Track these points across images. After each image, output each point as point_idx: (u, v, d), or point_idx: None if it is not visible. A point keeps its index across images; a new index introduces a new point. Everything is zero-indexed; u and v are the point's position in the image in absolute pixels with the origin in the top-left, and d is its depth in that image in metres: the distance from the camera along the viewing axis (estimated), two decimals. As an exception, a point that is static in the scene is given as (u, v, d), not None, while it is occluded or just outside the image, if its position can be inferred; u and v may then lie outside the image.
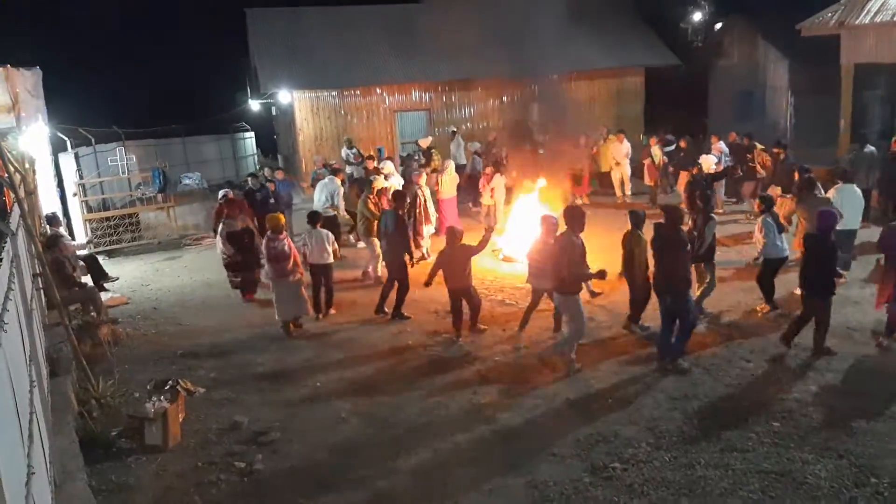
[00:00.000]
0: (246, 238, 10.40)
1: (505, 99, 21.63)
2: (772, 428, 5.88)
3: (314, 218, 9.45)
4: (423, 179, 12.71)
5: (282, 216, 9.32)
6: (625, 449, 5.72)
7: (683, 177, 14.39)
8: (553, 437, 6.02)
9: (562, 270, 7.10)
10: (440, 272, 8.43)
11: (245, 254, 10.32)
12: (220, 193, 12.03)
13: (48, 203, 13.33)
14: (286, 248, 8.74)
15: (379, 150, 17.83)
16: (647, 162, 15.88)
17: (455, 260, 8.31)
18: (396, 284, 9.35)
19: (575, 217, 7.22)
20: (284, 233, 8.94)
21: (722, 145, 14.75)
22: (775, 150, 13.37)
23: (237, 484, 5.58)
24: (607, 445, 5.81)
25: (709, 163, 13.50)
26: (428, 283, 8.49)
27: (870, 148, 12.62)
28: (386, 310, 9.41)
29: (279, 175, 14.01)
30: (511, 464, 5.65)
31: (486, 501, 5.17)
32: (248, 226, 10.48)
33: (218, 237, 10.42)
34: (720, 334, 8.07)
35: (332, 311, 9.69)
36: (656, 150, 15.93)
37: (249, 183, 13.18)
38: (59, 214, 12.71)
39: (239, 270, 10.49)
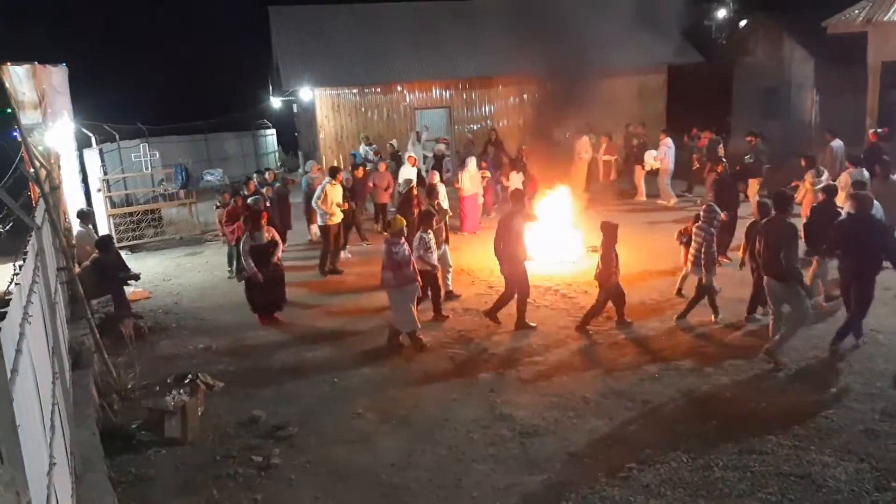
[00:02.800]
0: (271, 252, 9.37)
1: (525, 97, 21.57)
2: (791, 430, 5.79)
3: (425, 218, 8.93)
4: (436, 178, 12.76)
5: (400, 219, 8.39)
6: (642, 449, 5.68)
7: (710, 178, 14.54)
8: (570, 436, 5.99)
9: (780, 258, 6.86)
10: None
11: (267, 271, 9.25)
12: (245, 198, 11.62)
13: (73, 198, 13.54)
14: (407, 252, 8.07)
15: (391, 144, 17.96)
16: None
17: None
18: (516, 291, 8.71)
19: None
20: (404, 237, 8.20)
21: (669, 141, 15.78)
22: (747, 139, 14.16)
23: (254, 477, 5.63)
24: (624, 445, 5.77)
25: (649, 158, 14.32)
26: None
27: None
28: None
29: (270, 176, 14.16)
30: (528, 462, 5.64)
31: (503, 499, 5.16)
32: (273, 237, 9.48)
33: (241, 251, 9.37)
34: (741, 336, 7.98)
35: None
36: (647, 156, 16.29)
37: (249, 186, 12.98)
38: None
39: (259, 290, 9.34)
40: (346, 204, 12.13)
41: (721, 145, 15.52)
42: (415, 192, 11.56)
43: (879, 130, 13.29)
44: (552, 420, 6.29)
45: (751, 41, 23.28)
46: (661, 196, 16.12)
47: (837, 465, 5.25)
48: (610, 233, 8.20)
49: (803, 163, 11.53)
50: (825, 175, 11.10)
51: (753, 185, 13.70)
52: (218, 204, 12.66)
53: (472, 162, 14.11)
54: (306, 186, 14.30)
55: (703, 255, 8.25)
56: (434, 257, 8.80)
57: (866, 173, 10.21)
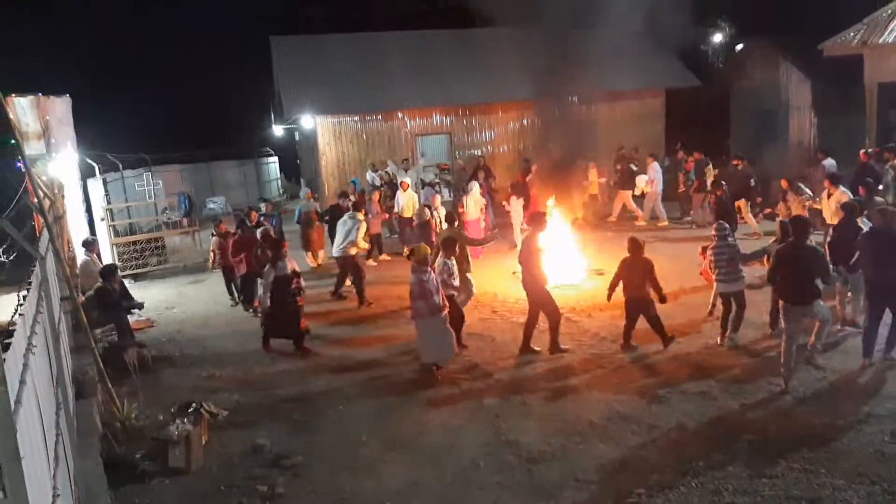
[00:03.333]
0: (294, 282, 9.12)
1: (525, 122, 21.73)
2: (801, 453, 5.73)
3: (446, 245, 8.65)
4: (438, 201, 12.86)
5: (425, 247, 8.23)
6: (650, 474, 5.62)
7: (696, 198, 15.62)
8: (577, 461, 5.94)
9: (811, 283, 6.91)
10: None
11: (288, 301, 9.05)
12: (259, 229, 11.52)
13: (77, 228, 13.59)
14: (436, 280, 7.87)
15: (386, 172, 18.09)
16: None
17: (635, 269, 8.23)
18: (545, 314, 8.54)
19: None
20: (430, 266, 8.03)
21: (656, 165, 16.36)
22: (734, 162, 14.82)
23: (259, 507, 5.58)
24: (632, 471, 5.71)
25: (641, 182, 14.59)
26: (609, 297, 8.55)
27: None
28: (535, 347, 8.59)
29: (267, 208, 14.33)
30: (535, 489, 5.58)
31: (509, 527, 5.10)
32: (294, 268, 9.31)
33: (264, 279, 9.13)
34: (746, 355, 7.95)
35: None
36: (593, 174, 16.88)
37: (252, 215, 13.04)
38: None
39: (277, 320, 9.15)
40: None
41: (709, 166, 15.88)
42: (433, 219, 11.67)
43: (870, 150, 13.52)
44: (558, 446, 6.23)
45: (747, 65, 23.49)
46: (658, 217, 16.40)
47: (848, 489, 5.19)
48: (637, 248, 8.22)
49: (784, 184, 12.06)
50: (807, 193, 11.73)
51: (744, 207, 14.20)
52: (213, 233, 12.49)
53: (475, 186, 14.18)
54: (300, 214, 14.59)
55: (729, 270, 8.25)
56: (456, 282, 8.63)
57: (849, 193, 10.27)
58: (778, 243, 7.87)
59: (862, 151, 13.26)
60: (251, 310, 11.30)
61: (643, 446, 6.11)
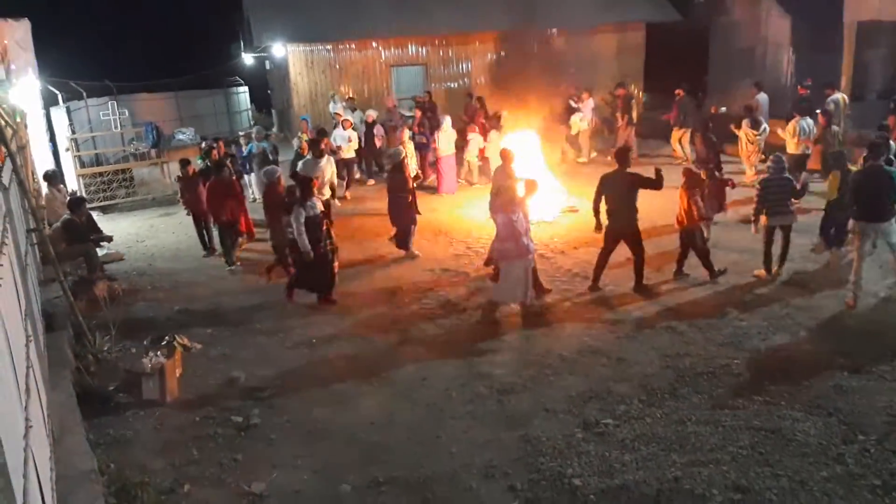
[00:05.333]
0: (324, 223, 8.38)
1: (503, 54, 21.29)
2: (763, 386, 5.94)
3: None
4: (406, 135, 12.65)
5: (513, 187, 7.90)
6: (617, 405, 5.80)
7: (678, 133, 15.36)
8: (546, 393, 6.09)
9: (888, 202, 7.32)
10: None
11: (321, 245, 8.26)
12: (270, 171, 9.81)
13: (41, 158, 13.21)
14: (524, 222, 7.51)
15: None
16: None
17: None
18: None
19: None
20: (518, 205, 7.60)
21: (591, 102, 16.38)
22: (676, 92, 15.33)
23: (234, 437, 5.66)
24: (600, 402, 5.88)
25: (576, 119, 15.49)
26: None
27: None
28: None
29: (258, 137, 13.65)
30: (505, 418, 5.73)
31: (480, 454, 5.24)
32: (327, 201, 8.77)
33: (293, 222, 8.07)
34: (713, 294, 8.12)
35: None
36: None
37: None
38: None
39: (311, 269, 8.31)
40: None
41: (633, 101, 16.41)
42: (406, 161, 10.74)
43: (806, 83, 15.07)
44: (529, 378, 6.37)
45: (728, 0, 23.14)
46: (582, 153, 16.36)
47: (807, 420, 5.41)
48: (693, 179, 8.26)
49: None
50: (764, 125, 12.57)
51: (676, 135, 15.28)
52: (179, 175, 11.25)
53: (447, 121, 13.96)
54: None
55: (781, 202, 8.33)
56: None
57: (810, 121, 11.50)
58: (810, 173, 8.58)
59: (799, 86, 14.83)
60: (231, 264, 10.19)
61: (611, 378, 6.27)
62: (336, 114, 16.09)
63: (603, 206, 8.21)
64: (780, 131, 12.20)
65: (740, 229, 9.86)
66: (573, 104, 16.15)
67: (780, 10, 20.79)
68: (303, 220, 7.99)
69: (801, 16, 19.26)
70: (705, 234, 8.75)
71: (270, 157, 12.87)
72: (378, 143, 15.23)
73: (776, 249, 8.44)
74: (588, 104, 16.28)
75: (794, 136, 11.51)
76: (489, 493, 4.82)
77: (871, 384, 5.90)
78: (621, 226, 8.13)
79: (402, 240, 10.07)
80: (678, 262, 8.59)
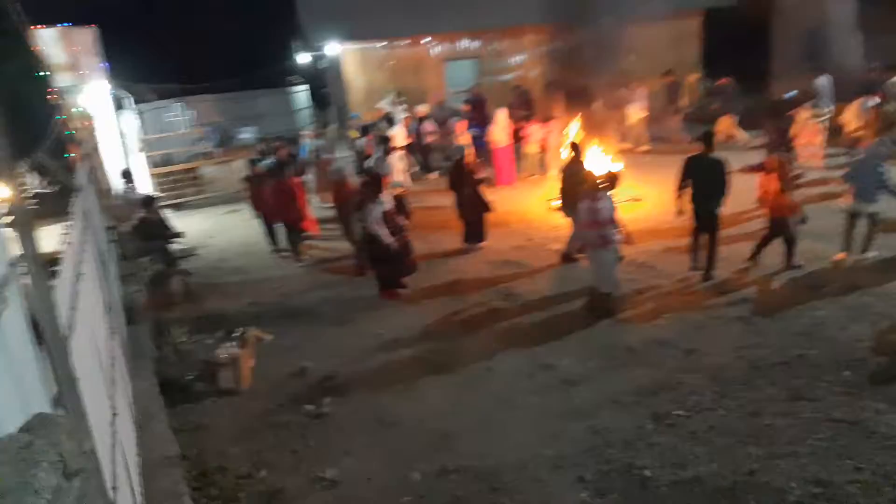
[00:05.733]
0: (400, 215, 8.65)
1: (556, 46, 21.04)
2: (842, 377, 5.74)
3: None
4: (463, 128, 12.64)
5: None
6: (689, 397, 5.69)
7: (724, 121, 15.42)
8: (615, 384, 6.03)
9: None
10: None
11: (397, 238, 8.42)
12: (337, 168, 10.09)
13: (112, 159, 13.75)
14: (610, 209, 7.38)
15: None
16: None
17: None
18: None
19: None
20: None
21: (643, 91, 16.21)
22: (720, 82, 15.98)
23: (307, 424, 5.82)
24: (670, 393, 5.78)
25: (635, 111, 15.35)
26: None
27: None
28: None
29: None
30: (572, 409, 5.70)
31: (548, 445, 5.23)
32: (402, 196, 8.96)
33: (369, 218, 8.23)
34: (790, 282, 7.88)
35: None
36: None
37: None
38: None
39: (391, 262, 8.46)
40: None
41: (680, 89, 16.99)
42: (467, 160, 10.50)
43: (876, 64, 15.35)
44: (596, 369, 6.32)
45: (790, -20, 22.31)
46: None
47: (890, 412, 5.20)
48: (784, 166, 8.04)
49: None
50: (830, 107, 12.78)
51: (724, 122, 15.23)
52: (249, 175, 11.32)
53: (501, 114, 13.93)
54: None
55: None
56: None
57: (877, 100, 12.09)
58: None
59: (868, 68, 15.02)
60: (300, 261, 10.44)
61: (682, 370, 6.16)
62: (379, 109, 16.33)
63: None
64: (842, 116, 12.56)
65: (812, 215, 9.52)
66: (626, 94, 15.98)
67: (848, -10, 19.97)
68: (378, 215, 8.19)
69: (867, -3, 18.49)
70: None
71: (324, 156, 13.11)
72: (430, 139, 15.27)
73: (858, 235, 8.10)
74: (640, 93, 16.06)
75: (857, 117, 11.94)
76: (558, 483, 4.81)
77: (959, 375, 5.64)
78: (706, 208, 7.97)
79: (473, 233, 10.05)
80: (758, 248, 8.25)
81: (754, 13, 22.25)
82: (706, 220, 8.00)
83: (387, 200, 8.46)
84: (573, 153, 9.45)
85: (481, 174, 10.23)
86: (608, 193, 7.47)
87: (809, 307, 7.12)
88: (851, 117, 11.81)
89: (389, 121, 15.41)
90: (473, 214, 9.94)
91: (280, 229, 10.85)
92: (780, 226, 8.05)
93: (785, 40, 22.08)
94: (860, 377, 5.72)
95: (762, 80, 18.94)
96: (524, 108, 16.27)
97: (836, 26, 20.43)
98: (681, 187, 8.05)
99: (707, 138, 8.06)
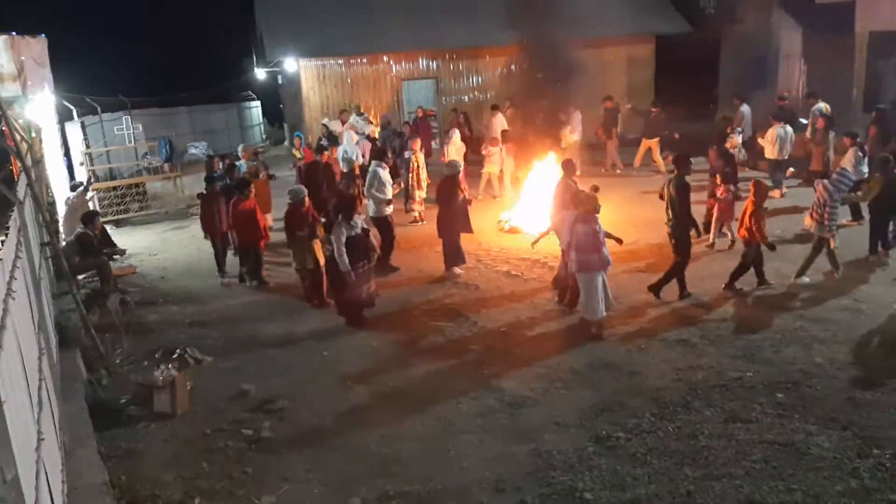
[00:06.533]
0: (365, 240, 8.18)
1: (513, 67, 21.35)
2: (776, 399, 5.89)
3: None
4: (417, 145, 12.67)
5: (595, 196, 7.50)
6: (629, 419, 5.75)
7: (644, 144, 16.44)
8: (558, 406, 6.06)
9: None
10: None
11: (362, 264, 8.09)
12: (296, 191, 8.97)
13: (56, 172, 13.35)
14: (603, 232, 7.38)
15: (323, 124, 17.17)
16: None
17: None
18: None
19: None
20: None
21: (578, 115, 16.31)
22: (652, 109, 16.56)
23: (245, 450, 5.67)
24: (611, 415, 5.84)
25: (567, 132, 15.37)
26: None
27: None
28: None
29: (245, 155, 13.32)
30: (516, 432, 5.70)
31: (491, 468, 5.22)
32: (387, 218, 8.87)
33: (334, 241, 7.89)
34: (729, 306, 8.06)
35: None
36: None
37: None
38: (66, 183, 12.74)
39: (354, 289, 8.07)
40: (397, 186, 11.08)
41: (618, 115, 17.19)
42: (460, 176, 10.17)
43: (786, 94, 16.14)
44: (540, 391, 6.35)
45: (739, 10, 23.11)
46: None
47: (821, 433, 5.35)
48: (762, 191, 8.14)
49: (728, 130, 13.12)
50: (740, 133, 12.95)
51: (645, 145, 16.36)
52: (204, 192, 10.36)
53: (455, 134, 14.05)
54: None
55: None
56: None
57: (790, 129, 12.73)
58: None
59: (778, 97, 15.34)
60: (255, 282, 9.91)
61: (623, 392, 6.23)
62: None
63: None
64: (759, 140, 13.29)
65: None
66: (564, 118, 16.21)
67: (792, 21, 20.75)
68: (343, 239, 7.84)
69: (813, 26, 19.22)
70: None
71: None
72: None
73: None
74: (576, 117, 16.05)
75: (772, 143, 12.67)
76: (500, 507, 4.79)
77: (886, 397, 5.83)
78: (676, 231, 8.16)
79: (455, 255, 9.72)
80: (733, 277, 8.35)
81: (706, 40, 22.99)
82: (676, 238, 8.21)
83: (358, 224, 8.08)
84: (564, 172, 9.22)
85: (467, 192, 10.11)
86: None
87: (746, 330, 7.30)
88: (768, 143, 12.79)
89: (330, 138, 15.18)
90: (454, 234, 9.63)
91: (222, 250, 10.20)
92: (753, 253, 8.22)
93: (734, 67, 22.83)
94: (793, 399, 5.86)
95: (709, 107, 19.49)
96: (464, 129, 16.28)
97: (784, 55, 21.23)
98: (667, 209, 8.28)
99: (681, 162, 8.30)
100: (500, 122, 15.90)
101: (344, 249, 7.80)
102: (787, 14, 20.98)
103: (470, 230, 9.84)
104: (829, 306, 7.77)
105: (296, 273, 9.20)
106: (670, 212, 8.19)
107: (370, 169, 10.39)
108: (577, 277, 7.48)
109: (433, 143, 17.46)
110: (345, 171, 11.18)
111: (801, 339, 7.05)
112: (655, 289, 8.30)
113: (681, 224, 8.18)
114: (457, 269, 9.70)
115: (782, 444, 5.24)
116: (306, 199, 8.95)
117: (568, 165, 9.36)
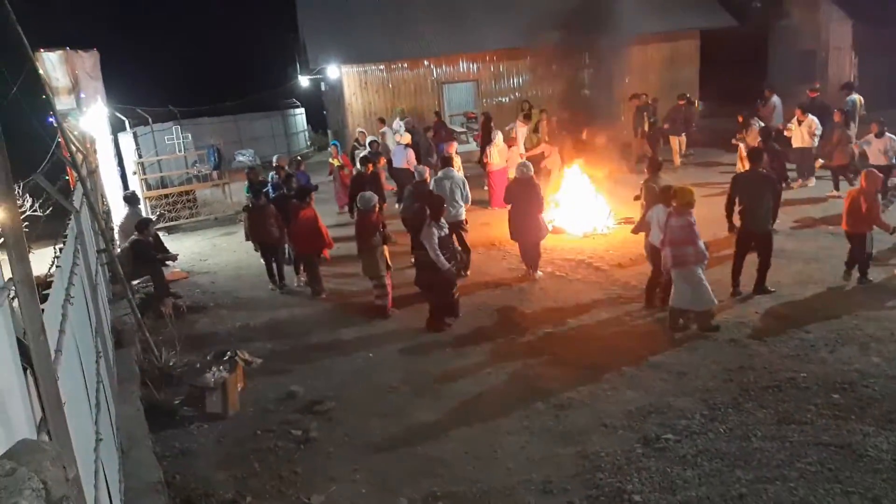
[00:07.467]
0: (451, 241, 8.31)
1: (554, 67, 21.21)
2: (831, 400, 5.71)
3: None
4: (454, 149, 12.65)
5: (690, 189, 7.36)
6: (678, 420, 5.65)
7: (673, 141, 16.41)
8: (605, 408, 5.99)
9: None
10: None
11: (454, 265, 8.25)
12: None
13: (110, 182, 13.80)
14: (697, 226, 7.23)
15: (360, 131, 17.07)
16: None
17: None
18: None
19: None
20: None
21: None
22: (679, 102, 16.44)
23: (294, 450, 5.76)
24: (660, 416, 5.75)
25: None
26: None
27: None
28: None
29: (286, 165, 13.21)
30: (562, 434, 5.66)
31: (537, 469, 5.19)
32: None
33: (426, 242, 7.88)
34: (782, 306, 7.86)
35: None
36: None
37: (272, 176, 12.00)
38: (120, 192, 13.16)
39: (447, 290, 8.17)
40: None
41: (646, 112, 16.80)
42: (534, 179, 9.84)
43: (817, 85, 15.94)
44: (586, 393, 6.28)
45: (786, 3, 22.55)
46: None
47: (879, 435, 5.17)
48: (874, 181, 7.92)
49: (739, 119, 13.67)
50: (758, 124, 13.23)
51: (674, 142, 16.38)
52: (250, 203, 10.38)
53: (499, 136, 14.01)
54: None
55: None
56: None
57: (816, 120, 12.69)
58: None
59: (809, 89, 15.20)
60: (318, 293, 9.75)
61: (672, 393, 6.12)
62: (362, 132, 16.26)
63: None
64: (786, 132, 13.30)
65: (804, 238, 9.56)
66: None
67: (842, 13, 20.17)
68: (437, 240, 7.89)
69: (863, 18, 18.65)
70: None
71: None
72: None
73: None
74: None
75: (810, 132, 12.71)
76: (546, 508, 4.77)
77: (950, 398, 5.61)
78: (755, 226, 7.95)
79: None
80: (850, 265, 8.17)
81: (753, 34, 22.50)
82: (756, 236, 7.99)
83: (444, 225, 8.14)
84: (649, 171, 8.95)
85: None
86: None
87: (800, 329, 7.10)
88: (797, 130, 12.85)
89: (362, 145, 15.26)
90: (528, 237, 9.51)
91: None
92: (861, 241, 7.99)
93: (782, 61, 22.30)
94: (849, 400, 5.68)
95: (757, 102, 18.98)
96: (448, 136, 16.06)
97: (833, 48, 20.65)
98: (730, 205, 8.14)
99: (755, 155, 8.18)
100: (522, 134, 15.65)
101: (439, 249, 7.86)
102: (835, 6, 20.40)
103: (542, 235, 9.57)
104: (887, 304, 7.51)
105: (360, 280, 9.26)
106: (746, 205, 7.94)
107: (440, 175, 10.26)
108: (674, 274, 7.32)
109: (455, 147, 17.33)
110: (417, 179, 11.13)
111: (857, 337, 6.83)
112: (759, 287, 8.12)
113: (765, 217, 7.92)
114: (538, 272, 9.56)
115: (838, 445, 5.08)
116: (377, 206, 8.79)
117: (653, 163, 9.10)
